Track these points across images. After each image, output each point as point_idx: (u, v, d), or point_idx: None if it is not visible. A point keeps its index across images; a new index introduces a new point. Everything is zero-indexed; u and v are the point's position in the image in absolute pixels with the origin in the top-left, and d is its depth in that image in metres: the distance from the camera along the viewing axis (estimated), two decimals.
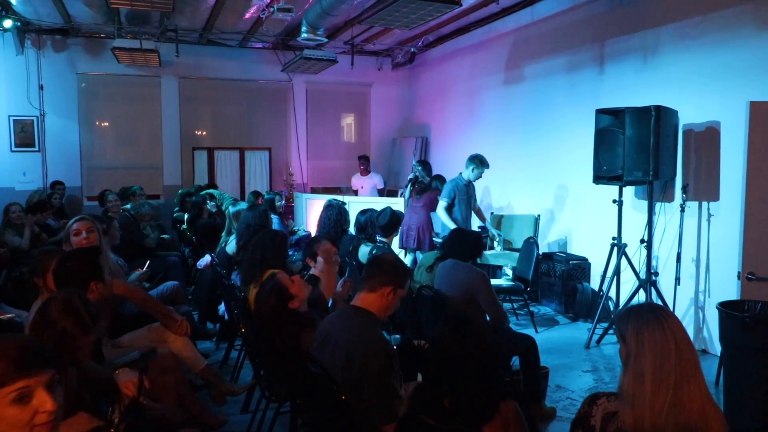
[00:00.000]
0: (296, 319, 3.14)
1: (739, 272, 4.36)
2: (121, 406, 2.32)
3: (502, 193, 8.25)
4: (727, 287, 4.80)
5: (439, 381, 2.01)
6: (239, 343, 4.59)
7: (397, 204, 7.14)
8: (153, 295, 4.79)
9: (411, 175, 7.71)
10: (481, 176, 6.57)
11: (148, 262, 5.08)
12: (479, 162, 6.47)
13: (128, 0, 6.22)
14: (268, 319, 3.17)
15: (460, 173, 6.63)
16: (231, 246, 5.30)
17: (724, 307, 3.82)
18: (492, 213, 7.69)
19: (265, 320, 3.20)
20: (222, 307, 4.90)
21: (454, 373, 1.98)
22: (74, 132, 9.42)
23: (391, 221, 5.18)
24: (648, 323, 1.72)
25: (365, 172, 9.82)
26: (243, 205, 5.79)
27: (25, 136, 9.08)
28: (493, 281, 6.18)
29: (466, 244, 4.19)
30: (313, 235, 6.46)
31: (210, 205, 7.26)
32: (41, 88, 9.09)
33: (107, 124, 9.94)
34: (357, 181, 9.92)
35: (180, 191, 8.57)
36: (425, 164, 7.68)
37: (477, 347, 2.02)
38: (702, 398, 1.66)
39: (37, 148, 9.15)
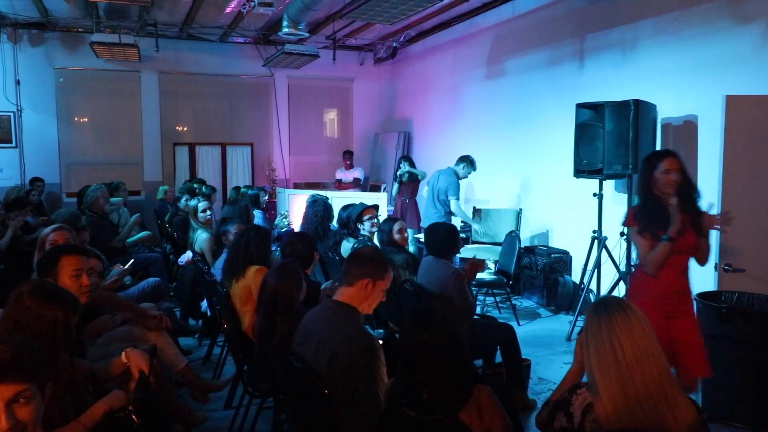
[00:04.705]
0: (297, 314, 3.12)
1: (716, 263, 4.41)
2: (133, 383, 2.31)
3: (484, 188, 8.29)
4: (704, 278, 4.85)
5: (412, 373, 2.04)
6: (222, 340, 4.58)
7: (380, 199, 7.16)
8: (134, 292, 4.77)
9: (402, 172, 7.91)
10: (467, 177, 7.00)
11: (132, 260, 5.03)
12: (470, 162, 6.92)
13: None
14: (273, 303, 3.14)
15: (452, 170, 6.87)
16: (200, 242, 5.32)
17: (702, 298, 3.89)
18: (474, 207, 7.73)
19: (269, 302, 3.16)
20: (204, 304, 4.88)
21: (423, 364, 2.01)
22: (52, 128, 9.28)
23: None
24: (596, 330, 1.77)
25: (349, 166, 10.01)
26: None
27: (1, 132, 8.93)
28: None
29: (437, 240, 4.14)
30: (295, 230, 6.47)
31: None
32: (18, 83, 8.95)
33: (86, 119, 9.81)
34: (341, 174, 10.08)
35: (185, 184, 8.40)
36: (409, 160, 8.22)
37: (442, 336, 2.05)
38: (656, 400, 1.68)
39: (14, 144, 9.01)
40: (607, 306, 1.80)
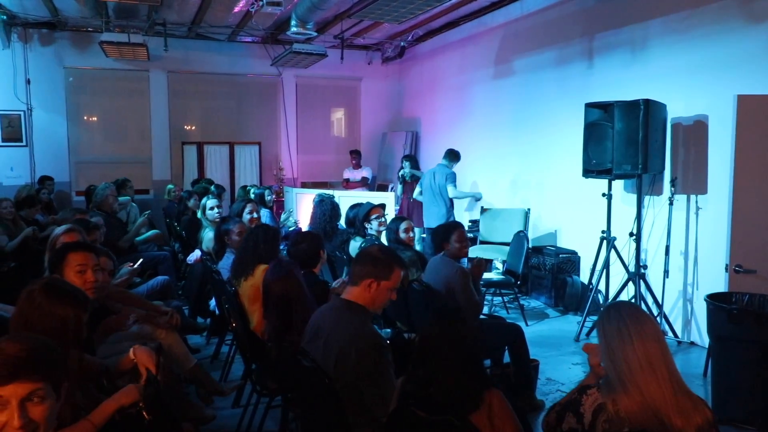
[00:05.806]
0: (311, 304, 3.15)
1: (726, 264, 4.39)
2: (142, 380, 2.31)
3: (492, 187, 8.26)
4: (715, 279, 4.84)
5: (419, 368, 2.03)
6: (230, 338, 4.59)
7: (387, 198, 7.16)
8: (143, 290, 4.79)
9: (404, 172, 7.96)
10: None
11: (141, 260, 5.04)
12: (454, 155, 7.41)
13: None
14: (286, 302, 3.17)
15: (444, 165, 7.18)
16: (207, 241, 5.33)
17: (712, 299, 3.86)
18: (482, 207, 7.71)
19: (281, 303, 3.20)
20: (213, 302, 4.88)
21: (439, 364, 2.00)
22: (62, 126, 9.34)
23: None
24: (612, 332, 1.81)
25: (357, 166, 10.02)
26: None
27: (12, 130, 8.98)
28: (484, 275, 6.22)
29: (434, 233, 4.35)
30: (303, 229, 6.47)
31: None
32: (28, 82, 9.00)
33: (95, 118, 9.86)
34: (349, 173, 10.11)
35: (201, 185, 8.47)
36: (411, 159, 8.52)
37: (461, 338, 2.04)
38: (667, 400, 1.70)
39: (24, 143, 9.06)
40: (620, 310, 1.84)
